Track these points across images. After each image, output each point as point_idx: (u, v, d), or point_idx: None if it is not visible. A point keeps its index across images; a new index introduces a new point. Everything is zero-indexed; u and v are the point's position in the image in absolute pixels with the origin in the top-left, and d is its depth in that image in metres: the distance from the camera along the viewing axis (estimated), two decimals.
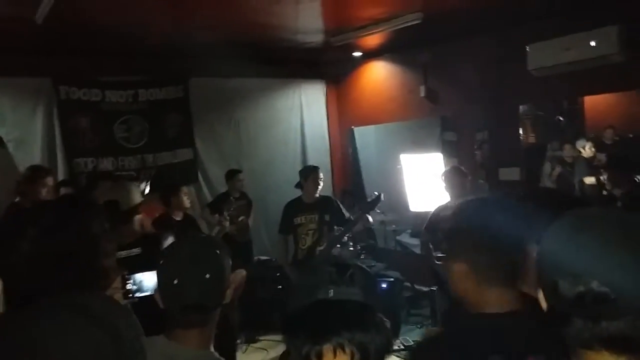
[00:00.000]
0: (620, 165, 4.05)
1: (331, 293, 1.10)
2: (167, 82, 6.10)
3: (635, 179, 4.28)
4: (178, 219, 4.44)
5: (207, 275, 1.29)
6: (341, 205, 4.57)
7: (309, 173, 4.44)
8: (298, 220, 4.38)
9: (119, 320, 0.83)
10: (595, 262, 0.74)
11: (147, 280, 1.76)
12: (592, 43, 4.40)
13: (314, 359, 1.04)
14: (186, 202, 4.53)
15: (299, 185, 4.50)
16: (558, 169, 5.81)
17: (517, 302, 1.22)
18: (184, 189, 4.58)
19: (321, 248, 4.25)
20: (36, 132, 5.39)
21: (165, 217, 4.34)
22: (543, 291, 0.84)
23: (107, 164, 5.74)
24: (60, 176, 5.33)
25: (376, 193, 4.26)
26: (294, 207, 4.45)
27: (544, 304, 0.86)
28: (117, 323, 0.81)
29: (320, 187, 4.41)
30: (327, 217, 4.34)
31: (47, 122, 5.45)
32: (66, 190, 4.23)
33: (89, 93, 5.67)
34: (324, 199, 4.50)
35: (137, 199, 2.76)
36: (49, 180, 3.84)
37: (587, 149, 5.61)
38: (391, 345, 1.08)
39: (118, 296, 1.68)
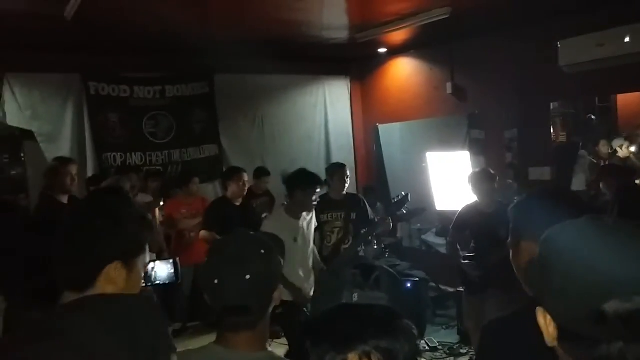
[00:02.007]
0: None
1: (355, 297, 1.06)
2: (193, 78, 6.15)
3: None
4: (237, 204, 4.63)
5: (247, 277, 1.23)
6: (367, 205, 4.52)
7: (335, 171, 4.40)
8: (324, 217, 4.34)
9: (142, 321, 0.83)
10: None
11: (160, 270, 1.74)
12: (627, 39, 4.25)
13: None
14: (243, 188, 4.66)
15: (325, 182, 4.46)
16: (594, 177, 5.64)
17: None
18: (245, 175, 4.68)
19: (346, 246, 4.22)
20: (66, 127, 5.50)
21: (222, 202, 4.59)
22: (559, 312, 0.74)
23: (135, 158, 5.84)
24: (90, 171, 5.42)
25: (403, 193, 4.20)
26: (321, 204, 4.41)
27: (547, 326, 0.76)
28: (137, 326, 0.81)
29: (347, 185, 4.38)
30: (353, 216, 4.30)
31: (77, 117, 5.55)
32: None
33: (118, 89, 5.76)
34: (351, 197, 4.46)
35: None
36: (72, 169, 3.83)
37: (623, 149, 5.44)
38: (419, 352, 1.03)
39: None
